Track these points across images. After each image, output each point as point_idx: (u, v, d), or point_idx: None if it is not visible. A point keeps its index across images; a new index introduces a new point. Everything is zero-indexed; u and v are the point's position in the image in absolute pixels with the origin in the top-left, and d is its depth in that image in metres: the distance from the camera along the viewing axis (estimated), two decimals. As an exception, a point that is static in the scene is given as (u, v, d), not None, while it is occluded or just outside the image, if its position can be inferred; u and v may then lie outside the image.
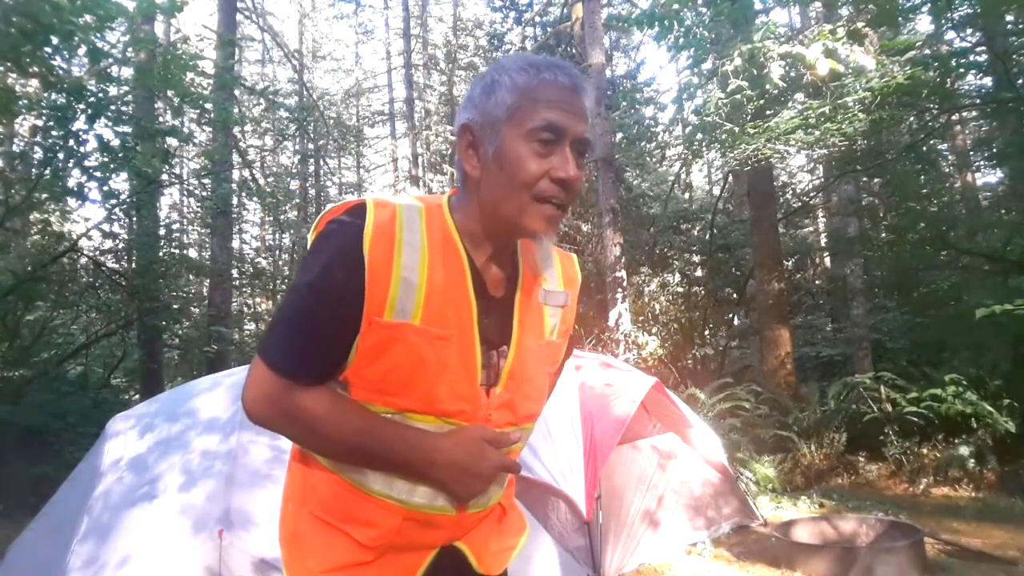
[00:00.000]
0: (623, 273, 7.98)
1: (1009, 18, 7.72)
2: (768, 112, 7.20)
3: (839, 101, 6.51)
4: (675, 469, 4.31)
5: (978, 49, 7.89)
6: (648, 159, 11.79)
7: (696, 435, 4.47)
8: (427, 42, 18.45)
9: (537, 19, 14.47)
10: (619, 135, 11.41)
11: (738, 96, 6.70)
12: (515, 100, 0.95)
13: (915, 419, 6.00)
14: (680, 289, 10.54)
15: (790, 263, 11.11)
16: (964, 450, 5.72)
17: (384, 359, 0.92)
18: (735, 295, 10.52)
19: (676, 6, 7.22)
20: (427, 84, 18.26)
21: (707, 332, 9.98)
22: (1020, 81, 7.58)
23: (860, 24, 6.74)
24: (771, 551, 3.98)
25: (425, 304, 0.92)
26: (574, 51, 12.14)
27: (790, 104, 7.63)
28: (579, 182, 0.95)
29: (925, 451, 6.03)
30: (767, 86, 6.34)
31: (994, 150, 9.21)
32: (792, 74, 7.21)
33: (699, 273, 10.91)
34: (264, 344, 0.96)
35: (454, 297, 0.95)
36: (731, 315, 10.56)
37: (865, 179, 9.55)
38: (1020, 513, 4.94)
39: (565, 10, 12.71)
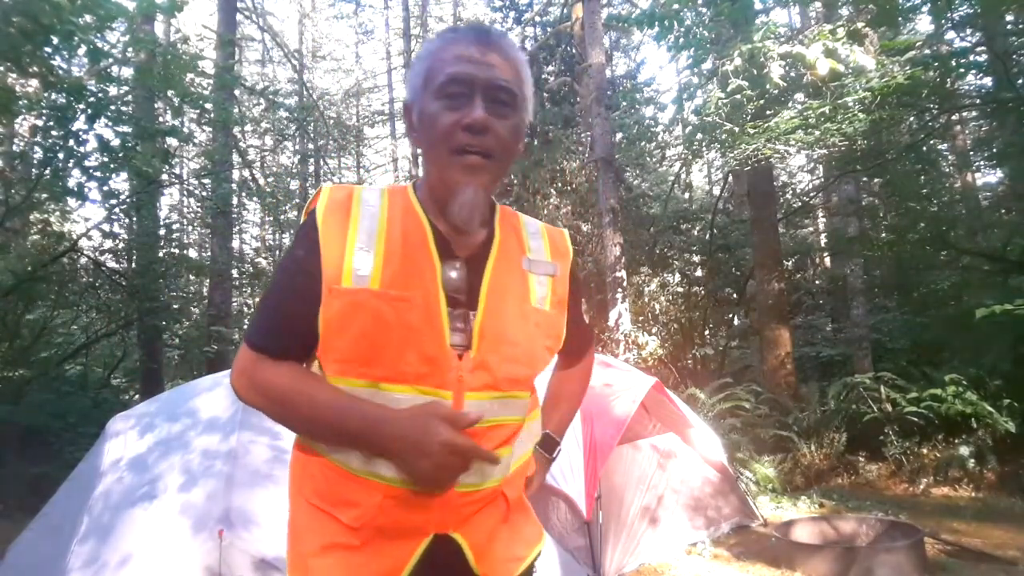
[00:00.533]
0: (623, 273, 7.98)
1: (1009, 18, 7.73)
2: (768, 112, 7.20)
3: (839, 101, 6.52)
4: (675, 469, 4.31)
5: (978, 49, 7.89)
6: (648, 159, 11.80)
7: (696, 435, 4.47)
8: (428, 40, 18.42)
9: (537, 19, 14.47)
10: (619, 135, 11.41)
11: (738, 96, 6.70)
12: (427, 65, 0.99)
13: (915, 419, 6.00)
14: (680, 289, 10.55)
15: (790, 263, 11.11)
16: (964, 450, 5.72)
17: (350, 327, 0.93)
18: (735, 295, 10.52)
19: (676, 6, 7.23)
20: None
21: (707, 332, 9.98)
22: (1020, 81, 7.58)
23: (860, 24, 6.75)
24: (771, 551, 3.98)
25: (384, 268, 0.94)
26: (574, 51, 12.16)
27: (790, 104, 7.63)
28: (493, 125, 0.95)
29: (925, 451, 6.03)
30: (767, 86, 6.34)
31: (994, 150, 9.21)
32: (792, 74, 7.21)
33: (699, 273, 10.91)
34: (248, 324, 1.03)
35: (415, 260, 0.96)
36: (731, 315, 10.56)
37: (865, 179, 9.56)
38: (1020, 513, 4.94)
39: (565, 10, 12.71)
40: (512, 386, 1.02)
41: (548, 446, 1.29)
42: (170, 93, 7.00)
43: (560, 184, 10.62)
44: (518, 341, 1.01)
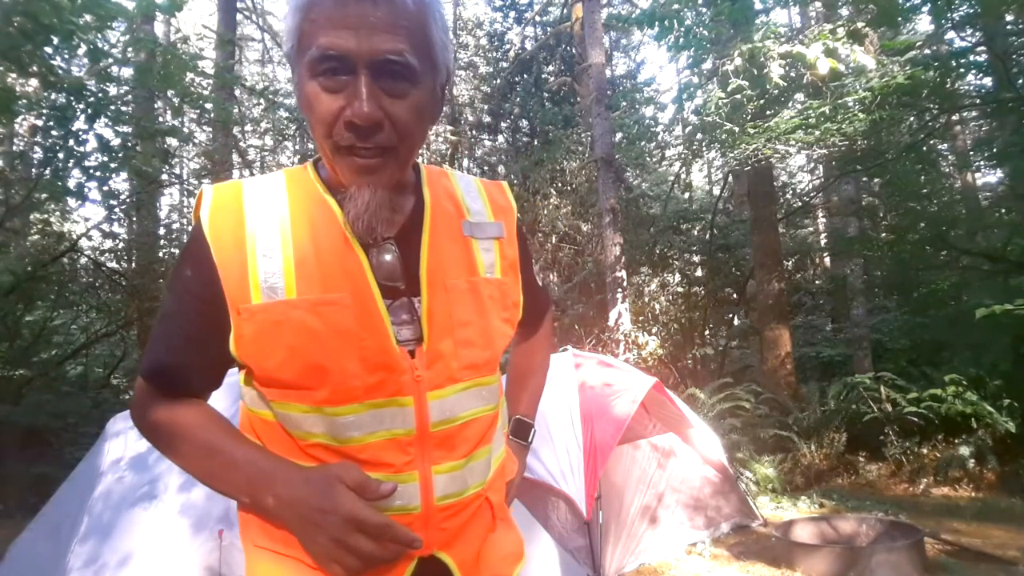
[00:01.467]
0: (623, 273, 7.99)
1: (1009, 18, 7.73)
2: (768, 112, 7.21)
3: (839, 101, 6.52)
4: (675, 469, 4.31)
5: (978, 49, 7.90)
6: (648, 159, 11.80)
7: (696, 435, 4.47)
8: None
9: (537, 19, 14.48)
10: (619, 135, 11.41)
11: (738, 96, 6.71)
12: (296, 24, 0.78)
13: (915, 419, 6.00)
14: (680, 289, 10.55)
15: (790, 263, 11.12)
16: (964, 450, 5.72)
17: (274, 349, 0.78)
18: (735, 295, 10.53)
19: (676, 6, 7.24)
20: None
21: (707, 332, 9.98)
22: (1020, 81, 7.59)
23: (860, 24, 6.75)
24: (771, 551, 3.98)
25: (297, 272, 0.79)
26: (574, 51, 12.16)
27: (790, 104, 7.64)
28: (387, 112, 0.77)
29: (925, 451, 6.03)
30: (767, 86, 6.35)
31: (994, 150, 9.21)
32: (792, 74, 7.21)
33: (699, 273, 10.91)
34: (143, 353, 0.88)
35: (332, 253, 0.81)
36: (731, 315, 10.56)
37: (865, 179, 9.56)
38: (1020, 513, 4.93)
39: (565, 10, 12.72)
40: (475, 373, 0.87)
41: (521, 432, 1.14)
42: (170, 93, 7.01)
43: (560, 184, 10.63)
44: (471, 320, 0.86)
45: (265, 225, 0.81)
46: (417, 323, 0.83)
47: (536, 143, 12.38)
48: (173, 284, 0.85)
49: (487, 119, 14.25)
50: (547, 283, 12.06)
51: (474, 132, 14.61)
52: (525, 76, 13.35)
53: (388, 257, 0.83)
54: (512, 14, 14.70)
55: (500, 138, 14.70)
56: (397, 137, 0.79)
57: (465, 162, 15.02)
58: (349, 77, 0.76)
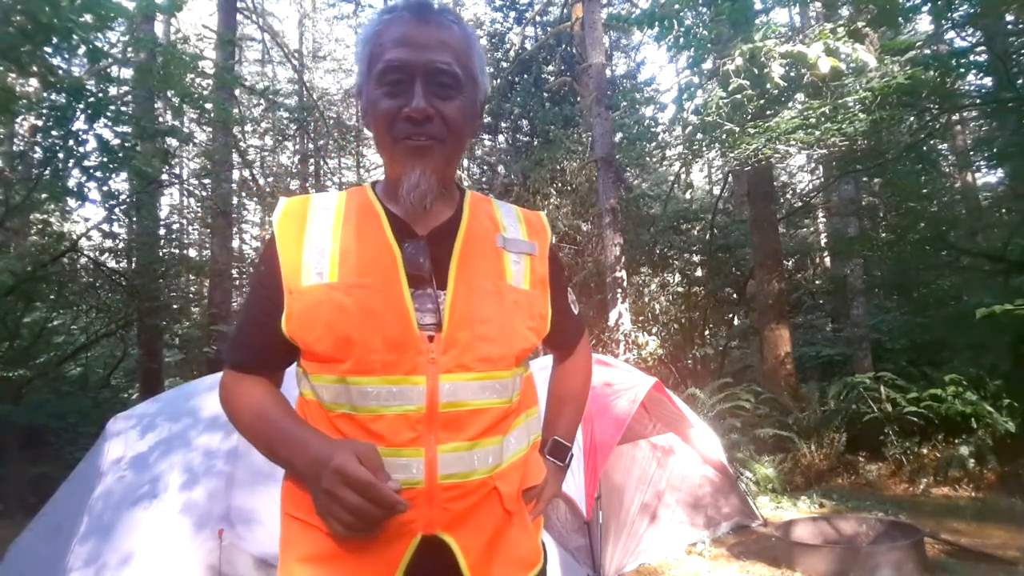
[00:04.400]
0: (623, 273, 7.98)
1: (1009, 18, 7.73)
2: (768, 112, 7.20)
3: (839, 101, 6.52)
4: (675, 469, 4.30)
5: (978, 49, 7.90)
6: (648, 159, 11.80)
7: (696, 435, 4.47)
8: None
9: (537, 19, 14.47)
10: (619, 135, 11.41)
11: (739, 96, 6.71)
12: (368, 50, 0.97)
13: (915, 419, 6.01)
14: (680, 289, 10.55)
15: (790, 263, 11.11)
16: (964, 450, 5.72)
17: (314, 324, 0.92)
18: (735, 295, 10.53)
19: (676, 6, 7.24)
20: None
21: (707, 332, 9.98)
22: (1020, 81, 7.58)
23: (860, 24, 6.75)
24: (771, 551, 3.98)
25: (340, 262, 0.93)
26: (574, 51, 12.16)
27: (791, 104, 7.63)
28: (438, 110, 0.93)
29: (925, 451, 6.03)
30: (768, 86, 6.34)
31: (994, 150, 9.21)
32: (793, 74, 7.21)
33: (699, 273, 10.91)
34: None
35: (371, 246, 0.95)
36: (731, 315, 10.56)
37: (865, 179, 9.56)
38: (1020, 513, 4.93)
39: (565, 10, 12.71)
40: (489, 366, 0.95)
41: (559, 453, 1.18)
42: (170, 93, 7.01)
43: (560, 184, 10.62)
44: (491, 318, 0.96)
45: (321, 226, 0.97)
46: (439, 312, 0.93)
47: (536, 143, 12.37)
48: (252, 280, 1.08)
49: (487, 119, 14.23)
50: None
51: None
52: (525, 76, 13.34)
53: (415, 251, 0.95)
54: (512, 14, 14.69)
55: (500, 138, 14.69)
56: (444, 131, 0.95)
57: (465, 162, 15.01)
58: (408, 84, 0.93)
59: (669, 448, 4.35)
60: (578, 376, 1.27)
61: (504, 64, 13.75)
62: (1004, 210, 9.96)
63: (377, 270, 0.93)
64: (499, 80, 13.37)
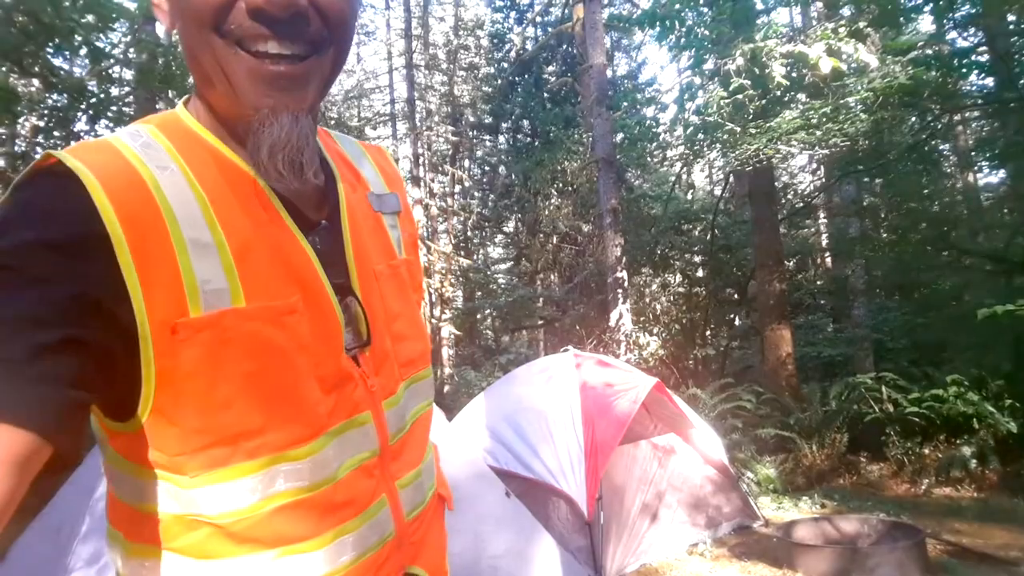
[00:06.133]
0: (624, 274, 7.99)
1: (1011, 18, 7.72)
2: (770, 112, 7.21)
3: (841, 101, 6.52)
4: (676, 469, 4.30)
5: (980, 49, 7.90)
6: (649, 159, 11.81)
7: (697, 435, 4.46)
8: (428, 42, 18.48)
9: (538, 19, 14.49)
10: (620, 135, 11.42)
11: (740, 96, 6.71)
12: None
13: (917, 419, 5.99)
14: (681, 290, 10.55)
15: (792, 263, 11.11)
16: (966, 450, 5.71)
17: (225, 379, 0.58)
18: (736, 295, 10.52)
19: (677, 6, 7.25)
20: (428, 84, 18.29)
21: (708, 332, 9.97)
22: (1022, 82, 7.58)
23: (862, 24, 6.76)
24: (773, 551, 3.97)
25: (240, 272, 0.60)
26: (575, 51, 12.16)
27: (792, 104, 7.64)
28: (307, 1, 0.59)
29: (927, 451, 6.02)
30: (769, 86, 6.35)
31: (996, 151, 9.21)
32: (794, 74, 7.22)
33: (700, 273, 10.91)
34: None
35: (272, 241, 0.63)
36: (733, 315, 10.56)
37: (867, 180, 9.56)
38: (1022, 514, 4.92)
39: (566, 11, 12.72)
40: (413, 368, 0.78)
41: None
42: (171, 94, 7.02)
43: (561, 184, 10.63)
44: (400, 311, 0.76)
45: (178, 200, 0.59)
46: (355, 323, 0.69)
47: (537, 144, 12.37)
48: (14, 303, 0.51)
49: (488, 119, 14.25)
50: (548, 283, 12.05)
51: (475, 132, 14.62)
52: (526, 76, 13.36)
53: (327, 243, 0.68)
54: (513, 15, 14.70)
55: (501, 139, 14.70)
56: (328, 32, 0.61)
57: (466, 163, 15.03)
58: None
59: (670, 448, 4.35)
60: None
61: (505, 65, 13.76)
62: (1006, 210, 9.97)
63: (295, 279, 0.63)
64: (500, 81, 13.39)
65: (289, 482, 0.62)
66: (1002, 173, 10.33)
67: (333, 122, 16.83)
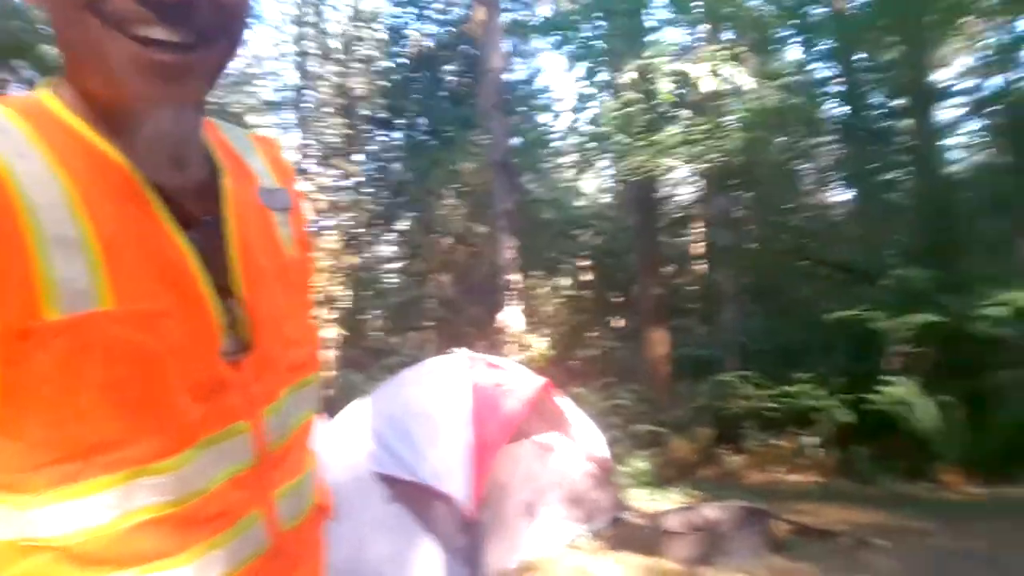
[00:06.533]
0: (516, 276, 8.16)
1: (863, 55, 8.66)
2: (656, 127, 7.64)
3: (719, 120, 7.04)
4: (557, 466, 4.47)
5: (836, 80, 8.83)
6: (543, 164, 12.12)
7: (579, 432, 4.67)
8: (322, 31, 17.83)
9: (439, 17, 14.42)
10: (516, 139, 11.64)
11: (630, 109, 7.07)
12: None
13: (772, 414, 6.62)
14: (570, 292, 10.92)
15: (670, 269, 11.82)
16: (811, 440, 6.40)
17: (84, 387, 0.54)
18: (620, 298, 11.05)
19: (574, 17, 7.51)
20: (320, 74, 17.65)
21: (594, 333, 10.41)
22: (866, 113, 8.57)
23: (741, 49, 7.34)
24: (644, 540, 4.24)
25: (108, 267, 0.56)
26: (475, 52, 12.23)
27: (676, 120, 8.14)
28: None
29: (780, 443, 6.66)
30: (657, 100, 6.74)
31: (846, 173, 10.31)
32: (681, 91, 7.70)
33: (588, 277, 11.34)
34: None
35: (145, 238, 0.59)
36: (616, 317, 11.08)
37: (739, 193, 10.37)
38: (851, 493, 5.60)
39: (468, 11, 12.77)
40: (299, 373, 0.74)
41: None
42: (23, 66, 6.35)
43: (457, 185, 10.68)
44: (292, 313, 0.72)
45: (40, 190, 0.54)
46: (236, 328, 0.65)
47: (433, 142, 12.32)
48: None
49: (383, 115, 14.00)
50: (441, 284, 12.04)
51: (369, 127, 14.31)
52: (425, 73, 13.26)
53: (208, 241, 0.63)
54: (412, 9, 14.54)
55: (396, 135, 14.49)
56: (221, 18, 0.57)
57: (359, 157, 14.67)
58: None
59: (552, 446, 4.52)
60: None
61: (403, 60, 13.59)
62: (852, 226, 11.18)
63: (171, 280, 0.59)
64: (397, 75, 13.20)
65: (152, 497, 0.58)
66: (852, 192, 11.59)
67: (214, 109, 15.84)
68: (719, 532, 4.07)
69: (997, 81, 9.41)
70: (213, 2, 0.56)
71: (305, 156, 16.44)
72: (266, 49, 20.89)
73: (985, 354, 6.00)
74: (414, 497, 3.55)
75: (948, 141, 10.66)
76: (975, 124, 10.21)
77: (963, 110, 9.47)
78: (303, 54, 16.93)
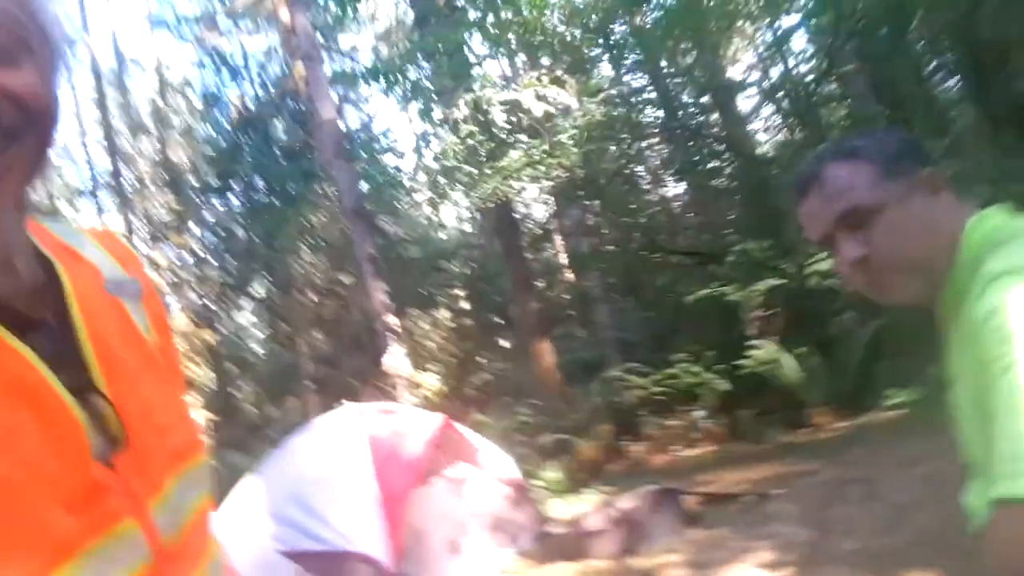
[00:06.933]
0: (392, 318, 8.02)
1: (665, 63, 9.60)
2: (499, 154, 7.93)
3: (554, 139, 7.45)
4: (473, 496, 4.42)
5: (648, 88, 9.72)
6: (398, 205, 12.10)
7: (487, 458, 4.65)
8: (129, 106, 16.60)
9: (257, 77, 14.03)
10: (365, 185, 11.53)
11: (471, 141, 7.29)
12: None
13: (660, 398, 7.01)
14: (451, 324, 10.92)
15: (541, 283, 12.22)
16: (700, 414, 6.85)
17: None
18: (500, 320, 11.22)
19: (397, 62, 7.65)
20: (136, 152, 16.40)
21: (481, 358, 10.46)
22: (680, 112, 9.50)
23: (559, 72, 7.84)
24: (569, 546, 4.28)
25: None
26: (302, 107, 12.01)
27: (516, 145, 8.50)
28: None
29: (674, 422, 7.05)
30: (493, 130, 7.01)
31: (675, 168, 11.31)
32: (514, 118, 8.05)
33: (465, 306, 11.42)
34: None
35: None
36: (499, 338, 11.22)
37: (587, 203, 11.01)
38: (743, 454, 6.04)
39: (285, 69, 12.55)
40: (182, 460, 0.71)
41: None
42: None
43: (311, 240, 10.35)
44: (162, 402, 0.71)
45: None
46: (104, 426, 0.62)
47: (275, 202, 11.88)
48: None
49: (215, 183, 13.30)
50: (312, 343, 11.54)
51: (202, 197, 13.53)
52: (252, 135, 12.80)
53: (55, 343, 0.60)
54: (225, 71, 14.02)
55: (233, 200, 13.80)
56: (25, 116, 0.55)
57: (197, 229, 13.80)
58: None
59: (464, 478, 4.45)
60: None
61: (226, 125, 13.04)
62: (691, 214, 12.27)
63: (12, 392, 0.56)
64: (223, 142, 12.65)
65: None
66: (684, 185, 12.72)
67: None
68: (636, 520, 4.21)
69: (779, 70, 10.86)
70: (12, 101, 0.54)
71: (133, 237, 15.12)
72: (70, 136, 19.08)
73: (823, 304, 6.76)
74: (330, 567, 3.34)
75: (752, 127, 12.14)
76: (769, 109, 11.71)
77: (757, 99, 10.80)
78: (112, 135, 15.67)
